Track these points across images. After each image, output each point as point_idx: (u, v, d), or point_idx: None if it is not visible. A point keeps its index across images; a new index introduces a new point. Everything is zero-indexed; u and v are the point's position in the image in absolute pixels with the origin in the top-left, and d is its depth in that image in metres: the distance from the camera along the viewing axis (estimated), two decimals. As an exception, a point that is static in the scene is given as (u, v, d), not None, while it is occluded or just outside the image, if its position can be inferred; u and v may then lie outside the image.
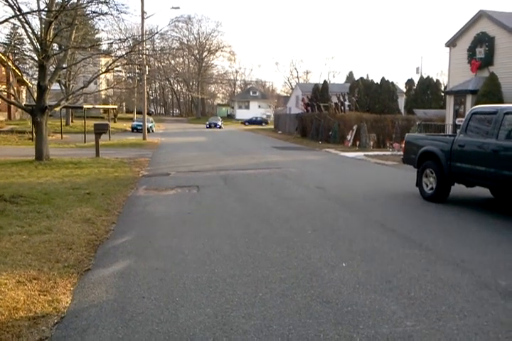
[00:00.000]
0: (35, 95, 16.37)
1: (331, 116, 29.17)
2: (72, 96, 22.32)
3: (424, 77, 39.37)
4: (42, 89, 15.58)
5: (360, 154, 21.07)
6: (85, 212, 7.82)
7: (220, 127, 53.62)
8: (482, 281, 4.81)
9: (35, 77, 23.42)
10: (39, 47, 15.17)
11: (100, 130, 18.63)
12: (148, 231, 6.90)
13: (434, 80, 38.37)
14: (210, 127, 53.33)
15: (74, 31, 16.62)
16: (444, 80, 41.84)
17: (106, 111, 44.38)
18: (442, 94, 33.77)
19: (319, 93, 36.73)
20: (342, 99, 31.34)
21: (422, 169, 9.85)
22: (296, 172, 14.15)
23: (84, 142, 25.37)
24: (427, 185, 9.63)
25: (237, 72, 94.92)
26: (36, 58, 15.89)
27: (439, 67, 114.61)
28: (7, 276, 4.71)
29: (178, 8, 34.01)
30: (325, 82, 40.46)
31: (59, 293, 4.37)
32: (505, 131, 7.94)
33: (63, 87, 36.25)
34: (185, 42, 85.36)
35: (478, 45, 21.41)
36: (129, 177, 12.65)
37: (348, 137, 26.18)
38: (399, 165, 15.23)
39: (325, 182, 12.06)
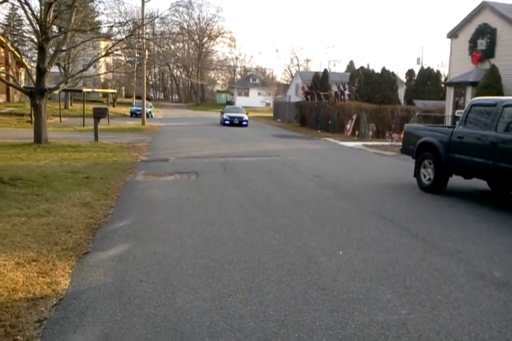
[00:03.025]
0: (35, 77, 16.27)
1: (331, 105, 29.10)
2: (72, 80, 22.19)
3: (425, 67, 39.18)
4: (41, 72, 15.49)
5: (359, 144, 21.09)
6: (84, 195, 7.84)
7: (247, 124, 33.57)
8: (477, 272, 4.87)
9: (35, 59, 23.26)
10: (38, 28, 15.04)
11: (99, 114, 18.55)
12: (146, 215, 6.92)
13: (435, 71, 38.18)
14: (230, 123, 32.91)
15: (74, 13, 16.43)
16: (444, 71, 41.75)
17: (105, 95, 44.15)
18: (442, 85, 33.63)
19: (319, 82, 36.57)
20: (342, 88, 31.23)
21: (420, 160, 9.87)
22: (294, 161, 14.16)
23: (83, 126, 25.28)
24: (425, 176, 9.67)
25: (237, 58, 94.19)
26: (36, 40, 15.76)
27: (440, 58, 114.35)
28: (6, 258, 4.74)
29: (179, -8, 33.95)
30: (325, 70, 40.28)
31: (58, 275, 4.41)
32: (504, 124, 7.96)
33: (62, 70, 36.00)
34: (186, 27, 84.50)
35: (479, 36, 21.29)
36: (127, 162, 12.65)
37: (348, 126, 26.16)
38: (397, 155, 15.25)
39: (323, 171, 12.09)
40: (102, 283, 4.34)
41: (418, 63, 50.59)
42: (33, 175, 9.45)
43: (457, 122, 9.54)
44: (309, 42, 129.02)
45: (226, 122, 33.33)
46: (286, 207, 7.69)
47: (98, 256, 5.04)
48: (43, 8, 15.17)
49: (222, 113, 35.95)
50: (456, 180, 9.59)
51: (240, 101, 74.79)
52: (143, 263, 4.87)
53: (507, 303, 4.09)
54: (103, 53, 19.55)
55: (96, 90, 41.26)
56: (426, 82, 36.72)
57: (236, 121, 33.34)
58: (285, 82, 78.82)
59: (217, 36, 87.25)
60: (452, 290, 4.35)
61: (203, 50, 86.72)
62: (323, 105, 30.01)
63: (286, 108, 41.47)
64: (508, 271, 4.90)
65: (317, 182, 10.46)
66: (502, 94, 17.49)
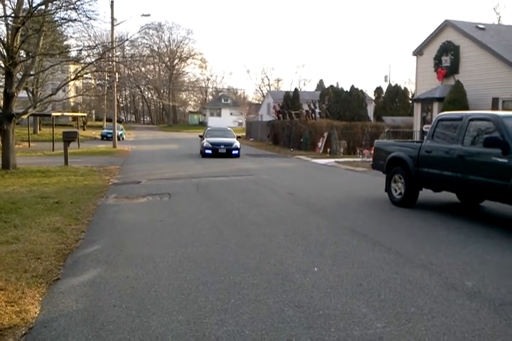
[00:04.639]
0: (2, 103, 16.03)
1: (302, 123, 29.43)
2: (40, 104, 21.90)
3: (393, 85, 40.26)
4: (9, 97, 15.29)
5: (331, 161, 21.31)
6: (54, 221, 7.69)
7: (238, 153, 23.31)
8: (449, 283, 4.93)
9: (1, 84, 22.97)
10: (5, 53, 14.88)
11: (69, 138, 18.38)
12: (118, 239, 6.81)
13: (402, 88, 39.21)
14: (213, 153, 22.71)
15: (42, 38, 16.36)
16: (411, 88, 42.79)
17: (75, 118, 43.73)
18: (410, 101, 34.48)
19: (290, 101, 37.10)
20: (313, 107, 31.67)
21: (390, 175, 10.02)
22: (268, 179, 14.21)
23: (53, 150, 24.95)
24: (396, 190, 9.81)
25: (208, 79, 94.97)
26: (2, 65, 15.59)
27: (407, 75, 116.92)
28: (-28, 287, 4.59)
29: (148, 15, 34.13)
30: (296, 89, 40.93)
31: (27, 304, 4.28)
32: (470, 137, 8.17)
33: (31, 95, 35.53)
34: (156, 50, 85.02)
35: (444, 53, 21.97)
36: (98, 185, 12.48)
37: (319, 144, 26.44)
38: (369, 171, 15.46)
39: (296, 189, 12.15)
40: (74, 309, 4.23)
41: (386, 81, 51.92)
42: (0, 201, 9.23)
43: (425, 137, 9.75)
44: (279, 62, 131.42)
45: (207, 152, 22.85)
46: (260, 226, 7.68)
47: (69, 282, 4.92)
48: (9, 32, 15.05)
49: (201, 137, 24.93)
50: (426, 194, 9.75)
51: (213, 121, 75.11)
52: (115, 287, 4.77)
53: (479, 312, 4.15)
54: (72, 77, 19.52)
55: (65, 114, 40.86)
56: (394, 99, 37.62)
57: (222, 150, 22.89)
58: (257, 102, 79.63)
59: (187, 58, 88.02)
60: (426, 301, 4.39)
61: (174, 71, 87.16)
62: (294, 123, 30.33)
63: (259, 127, 41.76)
64: (479, 281, 4.98)
65: (291, 199, 10.50)
66: (467, 109, 17.98)
